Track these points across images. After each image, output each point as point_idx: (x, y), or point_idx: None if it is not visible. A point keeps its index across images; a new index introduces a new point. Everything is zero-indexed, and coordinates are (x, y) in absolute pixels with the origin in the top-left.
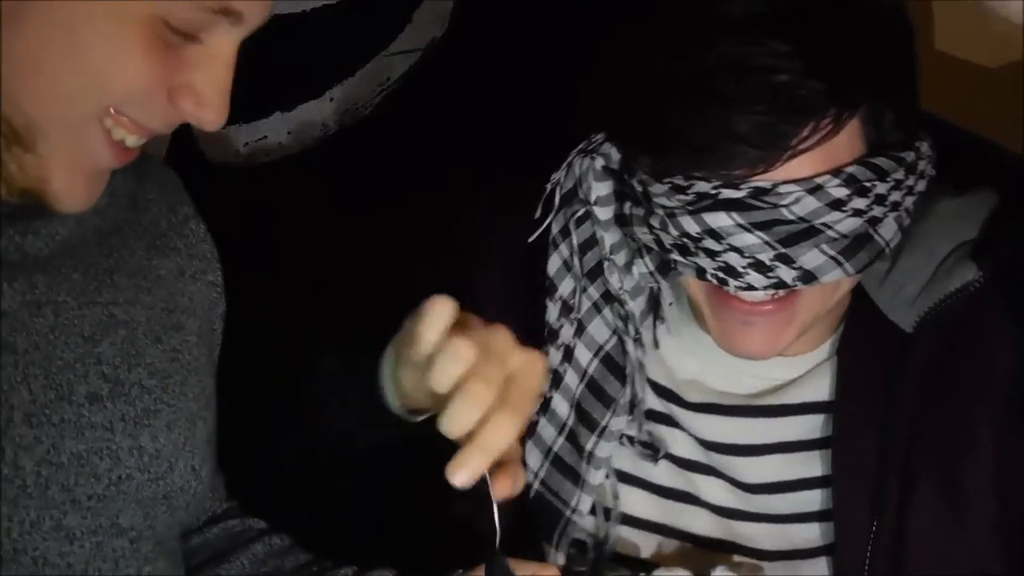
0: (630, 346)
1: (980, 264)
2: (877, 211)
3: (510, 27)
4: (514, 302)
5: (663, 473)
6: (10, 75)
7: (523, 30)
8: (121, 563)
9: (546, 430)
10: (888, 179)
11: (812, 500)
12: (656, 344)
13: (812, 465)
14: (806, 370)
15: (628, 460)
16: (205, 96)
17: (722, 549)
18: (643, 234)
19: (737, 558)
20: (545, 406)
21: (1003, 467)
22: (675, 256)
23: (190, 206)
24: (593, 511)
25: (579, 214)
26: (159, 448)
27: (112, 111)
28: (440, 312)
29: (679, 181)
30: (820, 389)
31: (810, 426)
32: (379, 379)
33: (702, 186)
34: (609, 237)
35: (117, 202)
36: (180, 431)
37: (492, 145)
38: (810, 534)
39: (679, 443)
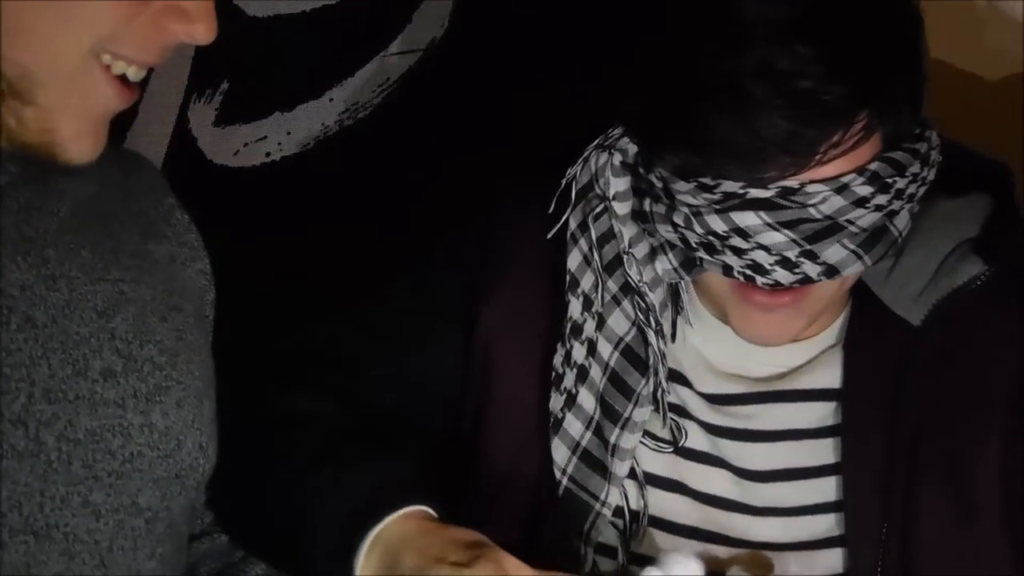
0: (652, 337)
1: (985, 259)
2: (896, 205)
3: (510, 27)
4: (535, 297)
5: (660, 463)
6: None
7: (523, 30)
8: (139, 542)
9: (573, 425)
10: (906, 173)
11: (823, 490)
12: (673, 337)
13: (823, 454)
14: (813, 355)
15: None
16: (190, 11)
17: (724, 543)
18: (667, 232)
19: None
20: (571, 400)
21: (1010, 463)
22: (701, 254)
23: (173, 197)
24: (618, 513)
25: (597, 210)
26: (169, 425)
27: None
28: None
29: (706, 180)
30: (830, 376)
31: (820, 414)
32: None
33: (730, 185)
34: (627, 231)
35: (108, 191)
36: (189, 408)
37: (492, 144)
38: (821, 526)
39: (689, 433)
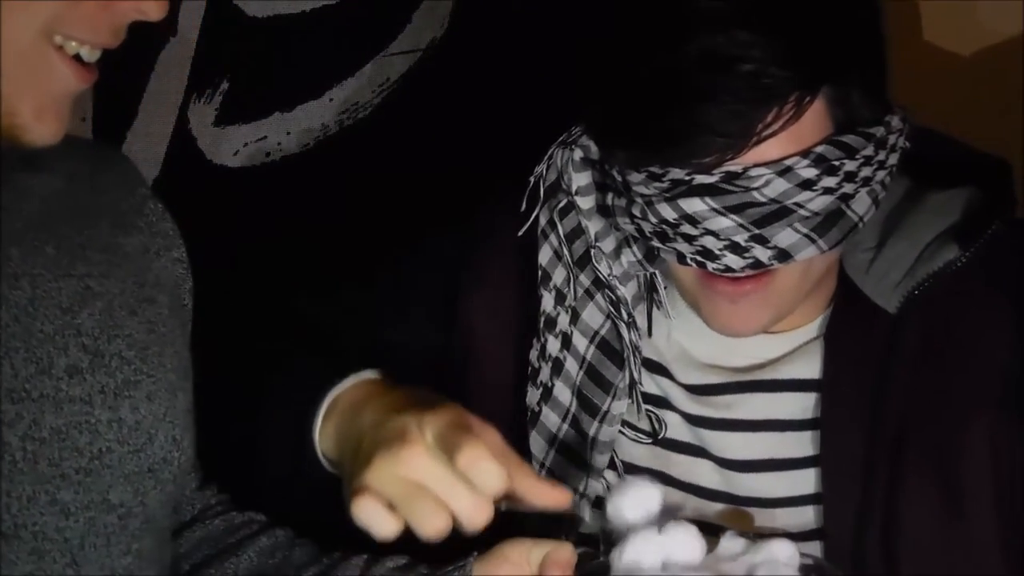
0: (624, 330)
1: (962, 244)
2: (848, 188)
3: (509, 27)
4: (511, 293)
5: (643, 454)
6: None
7: (522, 30)
8: (112, 539)
9: (549, 417)
10: (857, 156)
11: (802, 482)
12: (649, 332)
13: (805, 446)
14: (794, 347)
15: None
16: None
17: (708, 532)
18: (626, 224)
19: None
20: (547, 394)
21: (998, 454)
22: (656, 243)
23: (146, 187)
24: (597, 504)
25: (562, 204)
26: (139, 420)
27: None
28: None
29: (655, 169)
30: (811, 367)
31: (801, 405)
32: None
33: (676, 173)
34: (593, 225)
35: (78, 185)
36: (160, 402)
37: (491, 144)
38: (801, 518)
39: (669, 424)
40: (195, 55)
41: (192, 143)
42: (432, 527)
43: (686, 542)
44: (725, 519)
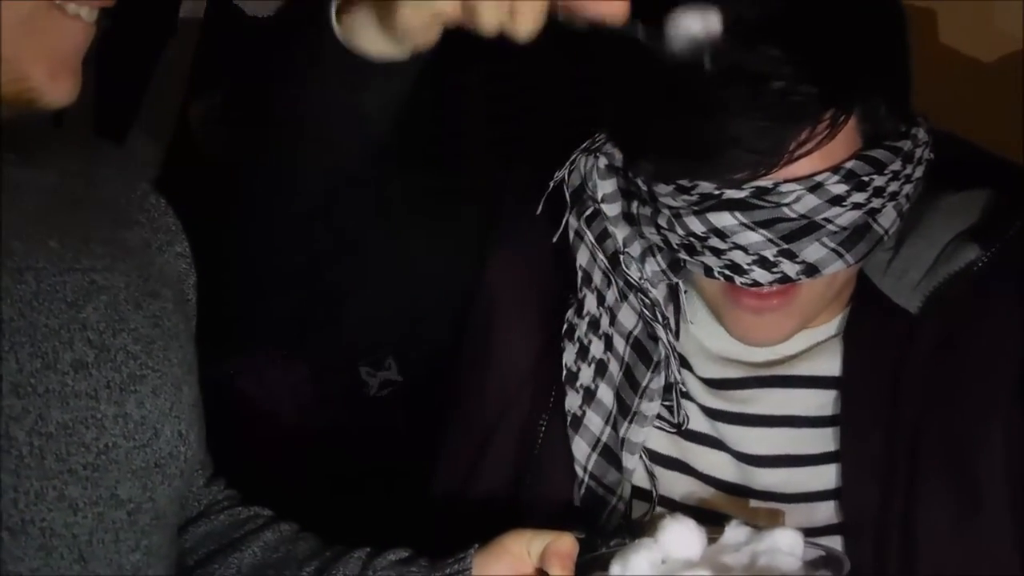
0: (660, 332)
1: (983, 245)
2: (876, 203)
3: None
4: (544, 293)
5: (664, 443)
6: None
7: None
8: (121, 535)
9: (593, 421)
10: (886, 171)
11: (819, 478)
12: (677, 335)
13: (822, 442)
14: (813, 344)
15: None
16: None
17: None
18: (651, 234)
19: (753, 503)
20: (590, 397)
21: (1013, 452)
22: (683, 255)
23: (147, 182)
24: (637, 495)
25: (588, 212)
26: (144, 415)
27: None
28: None
29: (684, 182)
30: (829, 364)
31: (819, 402)
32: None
33: (705, 186)
34: (620, 232)
35: (75, 181)
36: (166, 396)
37: (492, 145)
38: (820, 513)
39: (691, 416)
40: (195, 55)
41: (192, 143)
42: (488, 8)
43: (684, 537)
44: (754, 516)
